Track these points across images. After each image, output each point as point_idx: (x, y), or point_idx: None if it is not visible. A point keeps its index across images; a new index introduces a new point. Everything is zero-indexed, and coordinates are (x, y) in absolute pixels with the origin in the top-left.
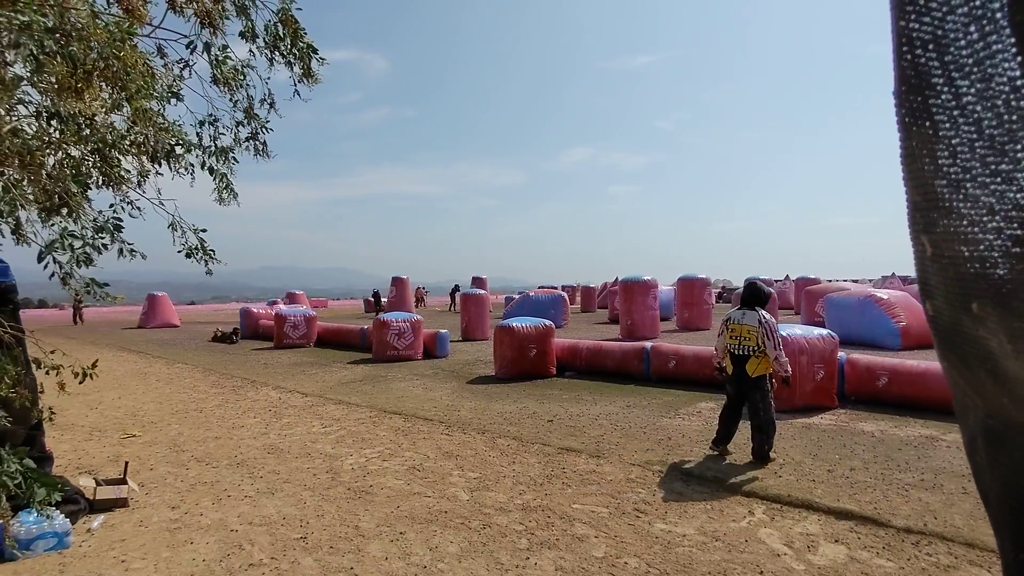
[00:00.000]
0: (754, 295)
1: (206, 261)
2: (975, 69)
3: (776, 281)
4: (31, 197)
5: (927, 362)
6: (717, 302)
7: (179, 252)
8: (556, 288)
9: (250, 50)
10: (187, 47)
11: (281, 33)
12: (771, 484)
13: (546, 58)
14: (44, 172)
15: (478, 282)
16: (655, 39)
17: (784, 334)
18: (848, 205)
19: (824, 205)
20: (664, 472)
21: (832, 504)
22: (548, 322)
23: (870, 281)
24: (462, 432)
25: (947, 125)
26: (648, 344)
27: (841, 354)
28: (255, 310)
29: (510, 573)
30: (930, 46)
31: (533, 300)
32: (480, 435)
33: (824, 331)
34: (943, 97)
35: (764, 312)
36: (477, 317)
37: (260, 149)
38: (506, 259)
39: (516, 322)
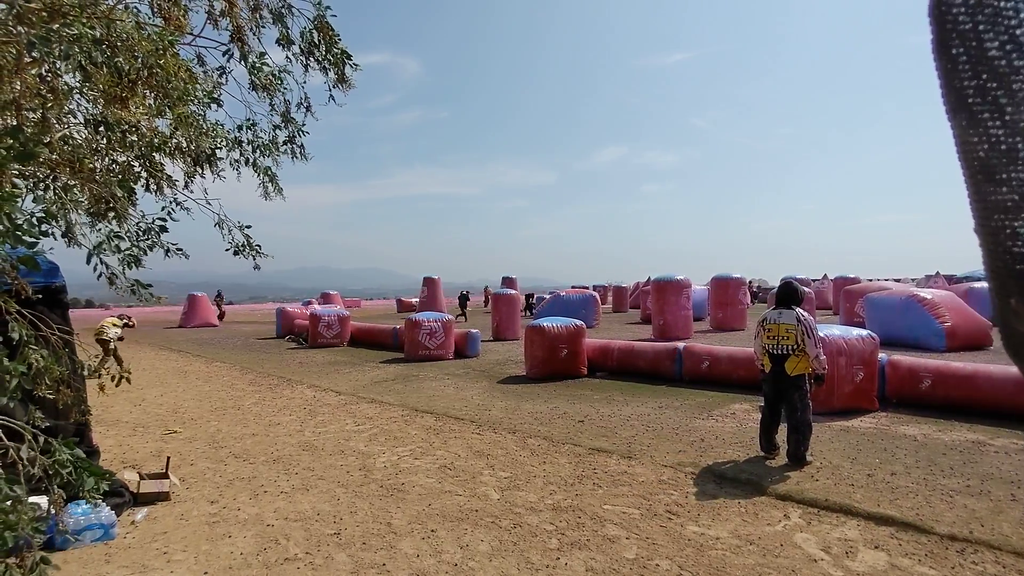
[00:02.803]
0: (790, 294)
1: (254, 256)
2: None
3: (813, 281)
4: (81, 201)
5: (974, 364)
6: (752, 302)
7: (227, 250)
8: (587, 288)
9: (286, 56)
10: (224, 55)
11: (316, 40)
12: (808, 488)
13: (579, 58)
14: (93, 177)
15: (509, 282)
16: (690, 36)
17: (822, 334)
18: (889, 202)
19: (864, 202)
20: (697, 474)
21: (872, 509)
22: (579, 322)
23: (913, 280)
24: (493, 432)
25: None
26: (681, 345)
27: (882, 355)
28: (290, 310)
29: (540, 573)
30: None
31: (564, 300)
32: (511, 435)
33: (864, 332)
34: None
35: (801, 310)
36: (508, 317)
37: (297, 152)
38: (537, 259)
39: (547, 322)
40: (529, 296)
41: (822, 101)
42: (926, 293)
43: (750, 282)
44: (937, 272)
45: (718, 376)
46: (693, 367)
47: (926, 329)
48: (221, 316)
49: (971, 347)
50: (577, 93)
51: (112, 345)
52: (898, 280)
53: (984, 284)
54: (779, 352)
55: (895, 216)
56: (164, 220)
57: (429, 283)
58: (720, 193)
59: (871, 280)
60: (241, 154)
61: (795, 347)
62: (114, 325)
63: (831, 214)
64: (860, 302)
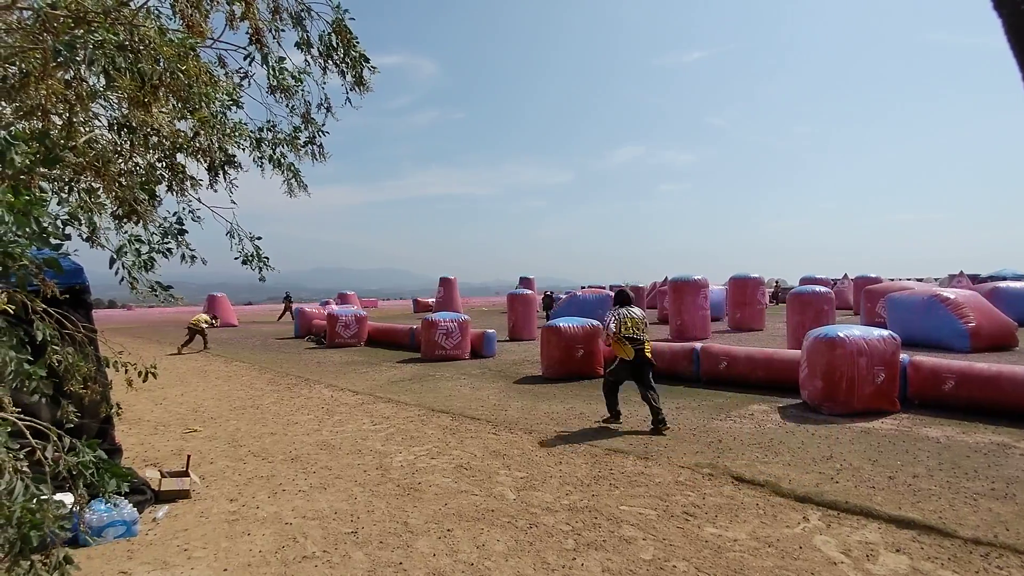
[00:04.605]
0: (628, 297)
1: (260, 268)
2: None
3: (834, 281)
4: (105, 203)
5: (999, 365)
6: (771, 302)
7: (236, 259)
8: (603, 288)
9: (305, 59)
10: (245, 58)
11: (334, 43)
12: (827, 490)
13: (595, 57)
14: (117, 180)
15: (525, 282)
16: (708, 34)
17: (841, 334)
18: (911, 200)
19: (885, 201)
20: (714, 475)
21: (893, 512)
22: (595, 322)
23: (935, 280)
24: (509, 432)
25: None
26: (698, 345)
27: (903, 356)
28: (308, 310)
29: (557, 573)
30: None
31: (580, 300)
32: (527, 435)
33: (885, 332)
34: None
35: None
36: (524, 317)
37: (316, 153)
38: (553, 260)
39: (563, 322)
40: (548, 296)
41: (841, 98)
42: (949, 293)
43: (776, 282)
44: (961, 272)
45: (736, 377)
46: (711, 367)
47: (949, 330)
48: (283, 315)
49: (996, 348)
50: (593, 92)
51: (205, 331)
52: (920, 280)
53: (1009, 284)
54: (641, 338)
55: (917, 215)
56: (182, 223)
57: (445, 283)
58: (737, 192)
59: (893, 280)
60: (263, 152)
61: (645, 334)
62: (205, 321)
63: (851, 213)
64: (881, 302)
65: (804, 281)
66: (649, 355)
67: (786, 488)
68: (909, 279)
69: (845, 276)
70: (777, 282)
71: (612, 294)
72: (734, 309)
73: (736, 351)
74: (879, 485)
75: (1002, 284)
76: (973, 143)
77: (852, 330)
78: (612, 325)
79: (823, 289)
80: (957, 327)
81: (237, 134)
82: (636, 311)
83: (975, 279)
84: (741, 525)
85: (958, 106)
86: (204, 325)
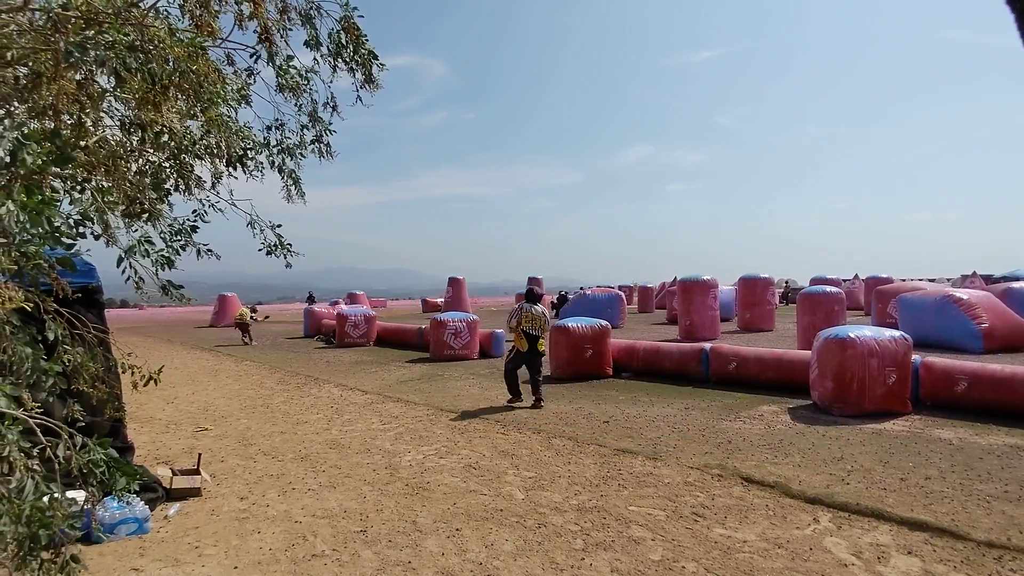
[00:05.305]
0: (536, 295)
1: (285, 255)
2: None
3: (844, 281)
4: (116, 202)
5: (1012, 366)
6: (780, 302)
7: (259, 250)
8: (613, 288)
9: (314, 58)
10: (251, 56)
11: (344, 41)
12: (838, 491)
13: (604, 57)
14: (127, 179)
15: (534, 282)
16: (717, 33)
17: (852, 335)
18: (923, 200)
19: (897, 200)
20: (723, 476)
21: (905, 514)
22: (604, 322)
23: (948, 280)
24: (518, 431)
25: None
26: (707, 345)
27: (915, 357)
28: (318, 310)
29: (565, 573)
30: None
31: (589, 299)
32: (536, 435)
33: (896, 333)
34: None
35: (542, 306)
36: None
37: (323, 151)
38: (562, 260)
39: (572, 322)
40: (563, 296)
41: (851, 97)
42: (962, 293)
43: (786, 283)
44: (974, 272)
45: (746, 377)
46: (720, 368)
47: (962, 330)
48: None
49: (1009, 349)
50: (603, 93)
51: (249, 324)
52: (933, 280)
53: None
54: (534, 334)
55: (929, 215)
56: (195, 221)
57: (454, 283)
58: (747, 192)
59: (904, 280)
60: (267, 157)
61: (542, 331)
62: (251, 312)
63: (862, 212)
64: (893, 303)
65: (814, 281)
66: (541, 348)
67: (796, 489)
68: (921, 279)
69: (856, 276)
70: (787, 282)
71: (622, 294)
72: (744, 309)
73: (746, 351)
74: (891, 487)
75: (1016, 285)
76: (987, 142)
77: (863, 331)
78: (514, 319)
79: (834, 289)
80: (970, 328)
81: (243, 135)
82: (537, 309)
83: (988, 280)
84: (751, 526)
85: (972, 105)
86: (249, 319)
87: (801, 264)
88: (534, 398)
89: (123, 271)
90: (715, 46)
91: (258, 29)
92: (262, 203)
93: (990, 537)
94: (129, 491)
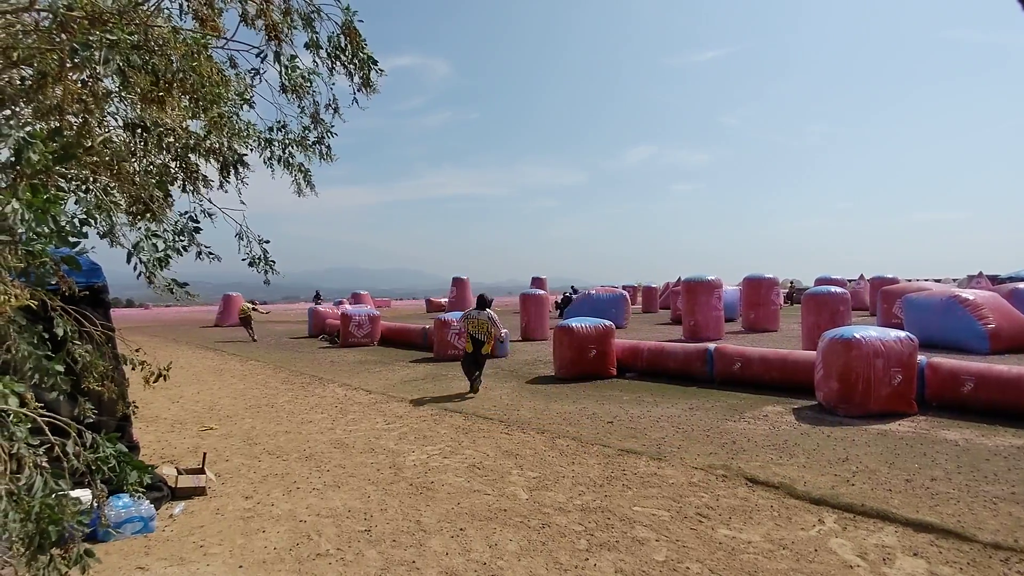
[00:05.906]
0: (485, 301)
1: (266, 271)
2: None
3: (849, 281)
4: (120, 202)
5: (1019, 367)
6: (785, 303)
7: (243, 260)
8: (616, 288)
9: (314, 60)
10: (257, 55)
11: (343, 44)
12: (843, 492)
13: (608, 57)
14: (132, 179)
15: (538, 282)
16: (721, 33)
17: (857, 335)
18: (928, 200)
19: (902, 200)
20: (728, 476)
21: (911, 515)
22: (608, 322)
23: (954, 281)
24: (522, 431)
25: None
26: (712, 345)
27: (921, 357)
28: (322, 310)
29: (569, 573)
30: None
31: (593, 299)
32: (540, 435)
33: (902, 333)
34: None
35: (491, 311)
36: (537, 317)
37: (324, 153)
38: (566, 260)
39: (575, 322)
40: (568, 296)
41: (855, 96)
42: (968, 294)
43: (790, 283)
44: (980, 272)
45: (750, 378)
46: (724, 368)
47: (968, 331)
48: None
49: (1016, 349)
50: (606, 92)
51: (251, 318)
52: (938, 280)
53: None
54: (480, 338)
55: (935, 214)
56: (197, 221)
57: (458, 283)
58: (752, 192)
59: (910, 280)
60: (272, 153)
61: (487, 335)
62: (254, 308)
63: (867, 212)
64: (898, 303)
65: (819, 281)
66: (485, 351)
67: (801, 490)
68: (927, 280)
69: (861, 276)
70: (792, 282)
71: (626, 294)
72: (748, 310)
73: (750, 352)
74: (896, 488)
75: (1022, 285)
76: (994, 141)
77: (868, 331)
78: (461, 323)
79: (839, 290)
80: (976, 328)
81: (246, 134)
82: (484, 315)
83: (995, 280)
84: (755, 527)
85: (977, 104)
86: (251, 314)
87: (806, 264)
88: (471, 388)
89: (134, 267)
90: (718, 46)
91: (265, 27)
92: (267, 204)
93: (996, 539)
94: (140, 485)
